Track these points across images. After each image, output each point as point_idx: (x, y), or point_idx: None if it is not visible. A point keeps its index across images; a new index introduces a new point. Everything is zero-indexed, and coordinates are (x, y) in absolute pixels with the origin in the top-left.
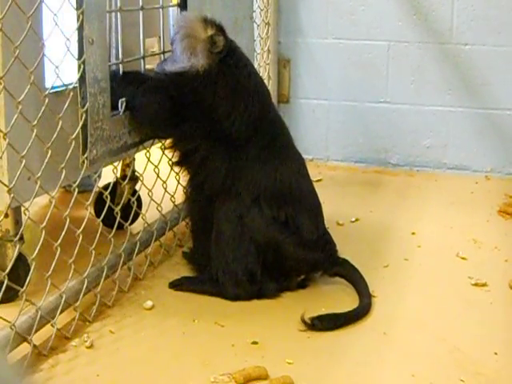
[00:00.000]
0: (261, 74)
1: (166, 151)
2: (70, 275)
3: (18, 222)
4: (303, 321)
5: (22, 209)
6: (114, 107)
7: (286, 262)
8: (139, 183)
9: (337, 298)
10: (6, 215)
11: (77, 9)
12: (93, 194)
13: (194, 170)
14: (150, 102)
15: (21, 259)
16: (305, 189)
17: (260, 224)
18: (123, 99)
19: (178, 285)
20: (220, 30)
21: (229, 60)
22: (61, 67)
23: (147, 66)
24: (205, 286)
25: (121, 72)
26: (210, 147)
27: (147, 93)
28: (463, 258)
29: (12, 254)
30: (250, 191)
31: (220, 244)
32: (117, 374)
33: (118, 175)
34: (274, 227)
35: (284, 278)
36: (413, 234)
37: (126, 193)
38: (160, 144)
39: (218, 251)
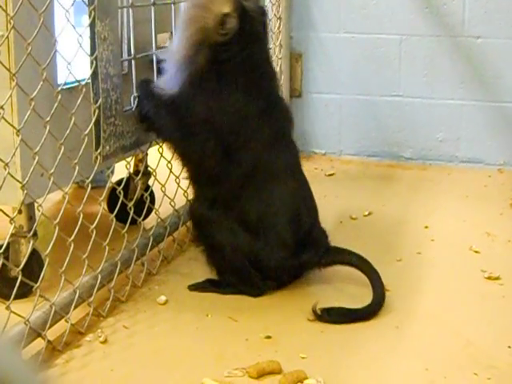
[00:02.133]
0: None
1: None
2: (84, 271)
3: (31, 218)
4: (313, 311)
5: (36, 205)
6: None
7: (267, 272)
8: (152, 178)
9: (352, 293)
10: (20, 211)
11: (89, 5)
12: (106, 189)
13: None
14: (165, 125)
15: (34, 255)
16: (286, 194)
17: (236, 235)
18: (135, 94)
19: (199, 288)
20: (240, 11)
21: (225, 52)
22: (73, 63)
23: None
24: (227, 288)
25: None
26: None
27: (161, 116)
28: (476, 252)
29: (25, 250)
30: (226, 197)
31: (215, 255)
32: (131, 369)
33: (131, 170)
34: (248, 238)
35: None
36: (426, 227)
37: (138, 188)
38: None
39: (216, 262)
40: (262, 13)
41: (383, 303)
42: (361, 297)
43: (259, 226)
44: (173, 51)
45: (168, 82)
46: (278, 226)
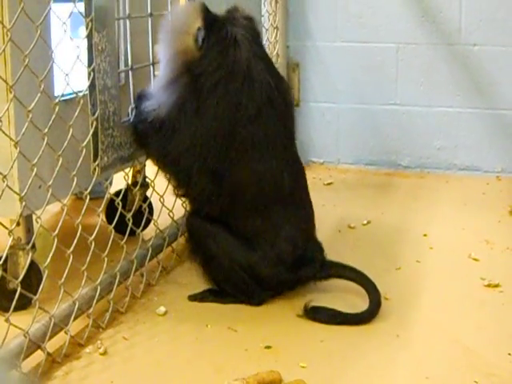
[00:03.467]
0: None
1: None
2: (83, 282)
3: (29, 231)
4: (305, 308)
5: (34, 217)
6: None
7: (262, 283)
8: (150, 189)
9: (352, 302)
10: (18, 223)
11: (86, 17)
12: (104, 200)
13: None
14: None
15: (32, 267)
16: (284, 204)
17: (232, 246)
18: (133, 105)
19: (201, 298)
20: (210, 22)
21: (198, 65)
22: (70, 75)
23: (156, 73)
24: (227, 298)
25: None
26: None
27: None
28: (475, 259)
29: (24, 262)
30: (224, 209)
31: (212, 268)
32: (131, 381)
33: (129, 182)
34: (244, 250)
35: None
36: (425, 235)
37: (136, 199)
38: None
39: (213, 275)
40: (249, 19)
41: (377, 312)
42: (361, 307)
43: (256, 239)
44: (160, 73)
45: (156, 100)
46: (275, 241)
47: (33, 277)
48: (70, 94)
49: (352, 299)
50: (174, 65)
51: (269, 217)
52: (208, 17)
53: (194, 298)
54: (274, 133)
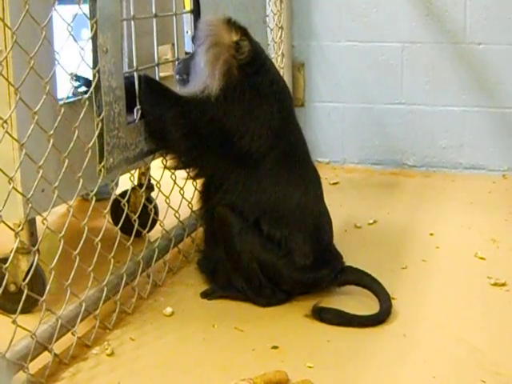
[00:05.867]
0: None
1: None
2: (90, 283)
3: (32, 234)
4: (313, 309)
5: (40, 218)
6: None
7: (282, 282)
8: (156, 190)
9: (362, 303)
10: (20, 227)
11: (90, 18)
12: (110, 202)
13: (208, 188)
14: (176, 132)
15: (34, 270)
16: (308, 208)
17: (256, 243)
18: (138, 107)
19: (210, 294)
20: (245, 33)
21: (250, 68)
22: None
23: (161, 74)
24: (235, 292)
25: (144, 81)
26: (226, 168)
27: (174, 120)
28: (482, 258)
29: (24, 265)
30: (254, 211)
31: (231, 260)
32: (138, 381)
33: (135, 183)
34: (268, 248)
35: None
36: (431, 234)
37: (142, 200)
38: None
39: (231, 267)
40: None
41: (385, 319)
42: (371, 307)
43: (282, 237)
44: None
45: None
46: (300, 239)
47: (34, 280)
48: (75, 95)
49: (362, 299)
50: (220, 72)
51: (292, 220)
52: (245, 32)
53: (204, 294)
54: (299, 140)
